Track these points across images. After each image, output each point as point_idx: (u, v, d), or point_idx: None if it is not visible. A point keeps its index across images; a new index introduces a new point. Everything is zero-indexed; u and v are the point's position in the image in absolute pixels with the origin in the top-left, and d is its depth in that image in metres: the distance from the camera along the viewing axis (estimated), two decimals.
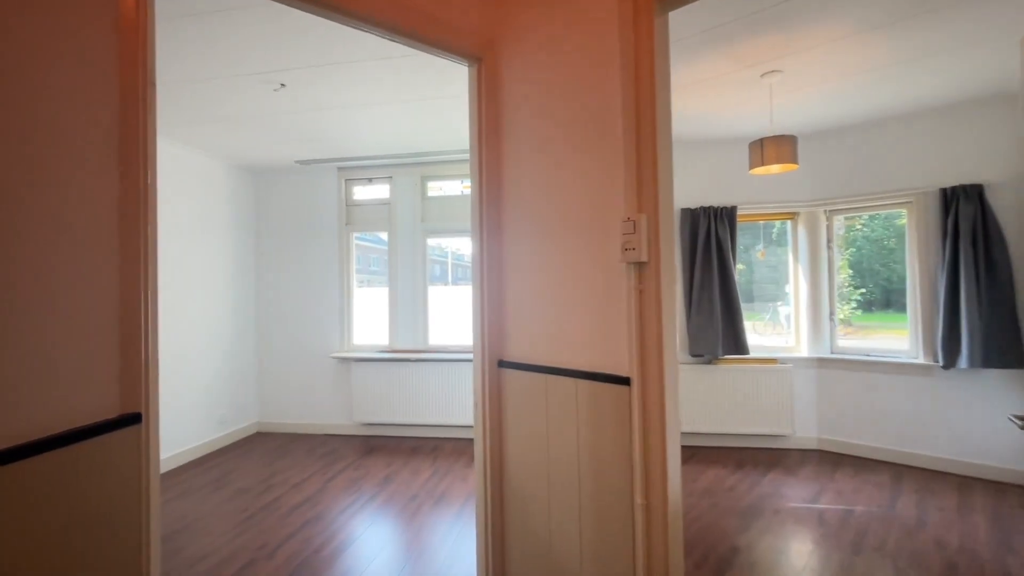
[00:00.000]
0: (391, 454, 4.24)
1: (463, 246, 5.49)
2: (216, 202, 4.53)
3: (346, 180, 4.92)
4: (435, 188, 4.82)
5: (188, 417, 4.19)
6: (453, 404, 4.54)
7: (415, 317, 4.77)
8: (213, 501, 3.33)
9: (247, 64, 2.74)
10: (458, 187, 4.78)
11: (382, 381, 4.65)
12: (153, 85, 1.16)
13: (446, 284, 5.43)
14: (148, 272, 1.14)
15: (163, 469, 3.89)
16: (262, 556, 2.64)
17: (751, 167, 3.15)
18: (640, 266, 1.58)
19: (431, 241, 4.87)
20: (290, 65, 2.76)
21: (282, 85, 3.01)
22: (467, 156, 4.32)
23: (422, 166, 4.73)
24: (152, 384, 1.11)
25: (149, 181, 1.14)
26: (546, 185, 1.84)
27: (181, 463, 4.07)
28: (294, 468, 3.94)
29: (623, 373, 1.61)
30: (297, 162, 4.66)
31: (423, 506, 3.22)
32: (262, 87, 3.02)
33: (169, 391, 4.00)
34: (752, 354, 4.20)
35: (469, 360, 4.49)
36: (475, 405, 2.04)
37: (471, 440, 4.57)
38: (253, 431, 4.95)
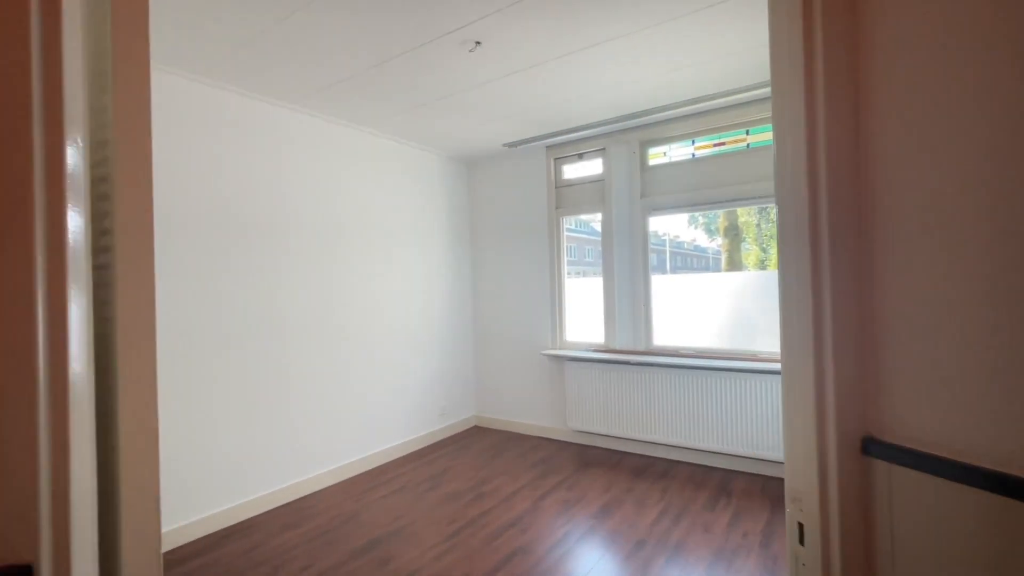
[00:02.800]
0: (610, 473, 3.60)
1: (681, 231, 4.48)
2: (434, 195, 4.53)
3: (555, 159, 4.44)
4: (658, 155, 3.97)
5: (414, 409, 4.26)
6: (687, 421, 3.65)
7: (634, 312, 4.02)
8: (427, 502, 3.17)
9: (433, 24, 2.39)
10: (687, 150, 3.84)
11: (598, 385, 4.04)
12: None
13: (664, 273, 4.57)
14: (61, 332, 0.65)
15: (390, 458, 4.00)
16: None
17: None
18: None
19: (654, 220, 4.04)
20: (485, 11, 2.30)
21: (477, 44, 2.59)
22: (703, 105, 3.38)
23: (641, 130, 3.94)
24: (62, 521, 0.63)
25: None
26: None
27: (407, 452, 4.15)
28: (506, 475, 3.61)
29: None
30: (505, 145, 4.36)
31: (654, 560, 2.48)
32: (456, 51, 2.65)
33: (398, 385, 4.10)
34: None
35: (705, 369, 3.54)
36: (792, 513, 1.02)
37: (710, 469, 3.62)
38: (471, 424, 4.89)
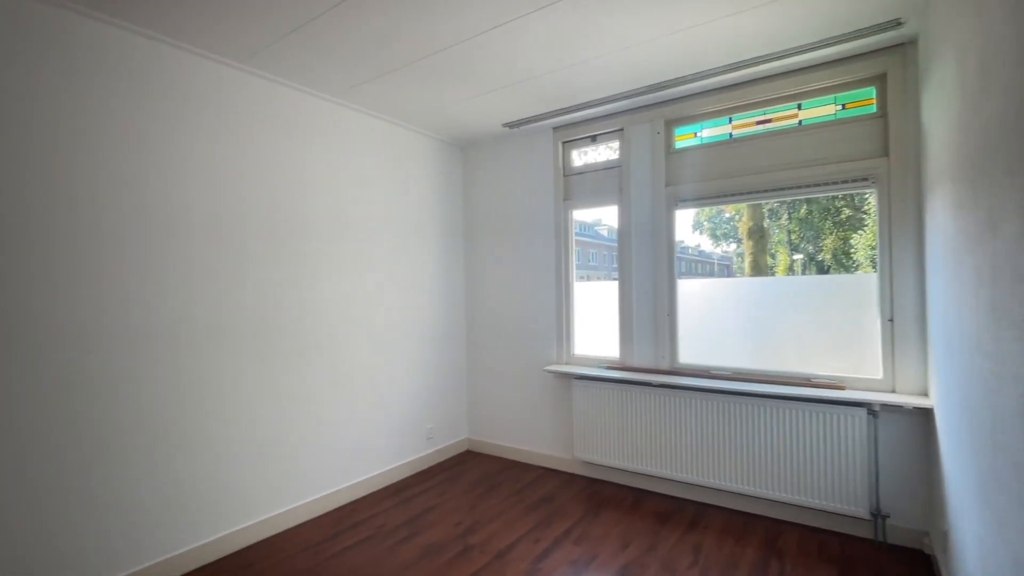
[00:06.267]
0: (628, 518, 2.94)
1: (684, 235, 3.89)
2: (422, 183, 3.91)
3: (563, 143, 3.81)
4: (687, 136, 3.32)
5: (396, 431, 3.63)
6: (723, 457, 2.99)
7: (656, 324, 3.37)
8: (397, 560, 2.53)
9: None
10: (723, 129, 3.19)
11: (612, 409, 3.39)
12: None
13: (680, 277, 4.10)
14: None
15: (367, 491, 3.36)
16: None
17: None
18: None
19: (681, 214, 3.39)
20: None
21: None
22: (743, 73, 2.69)
23: (666, 106, 3.30)
24: None
25: None
26: None
27: (388, 483, 3.51)
28: (499, 518, 2.96)
29: None
30: (505, 125, 3.73)
31: None
32: None
33: (378, 404, 3.47)
34: None
35: (744, 395, 2.88)
36: None
37: (751, 517, 2.95)
38: (463, 449, 4.25)
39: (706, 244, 4.04)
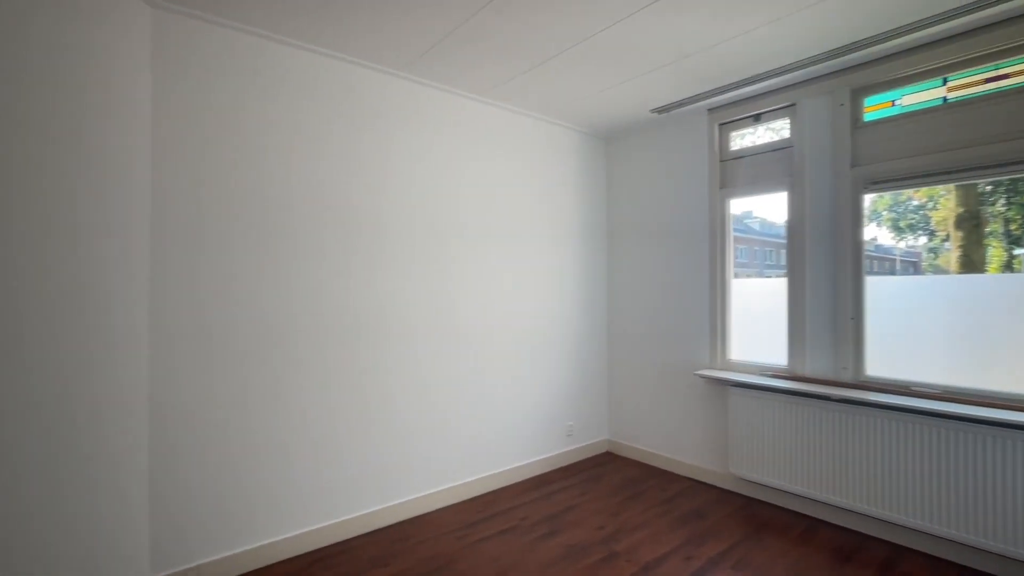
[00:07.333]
0: (797, 549, 2.56)
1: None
2: (564, 176, 3.86)
3: (719, 126, 3.46)
4: (881, 106, 2.79)
5: (536, 427, 3.64)
6: (924, 492, 2.46)
7: (836, 329, 2.89)
8: (540, 555, 2.51)
9: None
10: (934, 93, 2.62)
11: (778, 423, 2.99)
12: None
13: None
14: None
15: (506, 482, 3.43)
16: None
17: None
18: None
19: (871, 198, 2.87)
20: None
21: None
22: (966, 19, 2.16)
23: (852, 72, 2.81)
24: None
25: None
26: None
27: (526, 477, 3.54)
28: (646, 528, 2.79)
29: None
30: (653, 111, 3.51)
31: None
32: None
33: (518, 398, 3.52)
34: None
35: (958, 419, 2.31)
36: None
37: (962, 570, 2.37)
38: (603, 450, 4.12)
39: (883, 238, 3.36)
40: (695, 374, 3.46)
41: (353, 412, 2.73)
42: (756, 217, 3.70)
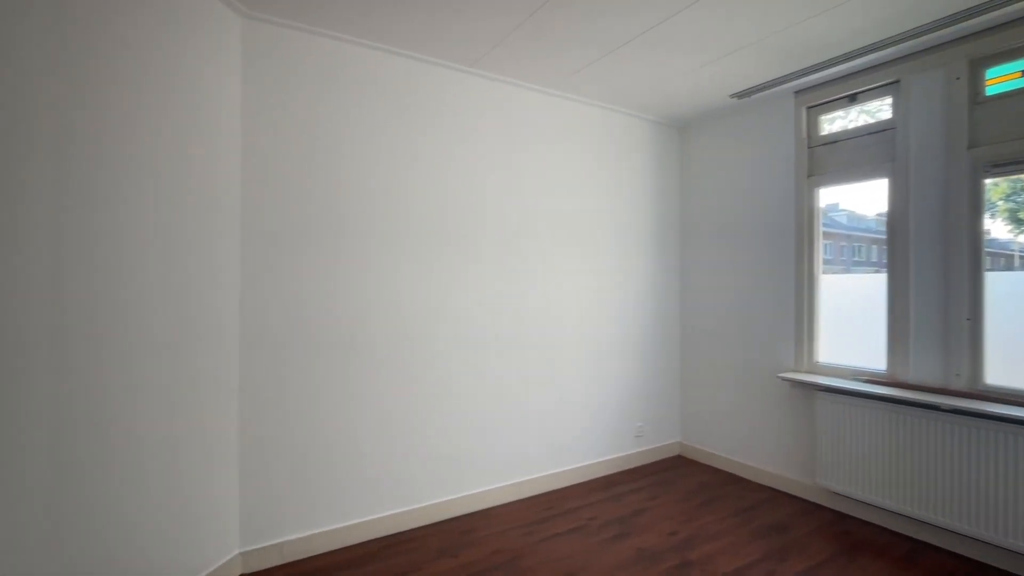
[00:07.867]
0: (900, 572, 2.32)
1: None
2: (636, 169, 3.73)
3: (807, 109, 3.20)
4: (1007, 78, 2.45)
5: (605, 426, 3.56)
6: None
7: (946, 331, 2.58)
8: (610, 557, 2.44)
9: None
10: None
11: (876, 433, 2.73)
12: None
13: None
14: None
15: (573, 481, 3.37)
16: None
17: None
18: None
19: (991, 182, 2.53)
20: None
21: None
22: None
23: (968, 42, 2.48)
24: None
25: None
26: None
27: (594, 476, 3.47)
28: (721, 538, 2.64)
29: None
30: (732, 96, 3.30)
31: None
32: None
33: (588, 396, 3.45)
34: None
35: None
36: None
37: None
38: (674, 453, 3.96)
39: (997, 231, 2.91)
40: (778, 377, 3.22)
41: (435, 408, 2.79)
42: (843, 210, 3.39)
